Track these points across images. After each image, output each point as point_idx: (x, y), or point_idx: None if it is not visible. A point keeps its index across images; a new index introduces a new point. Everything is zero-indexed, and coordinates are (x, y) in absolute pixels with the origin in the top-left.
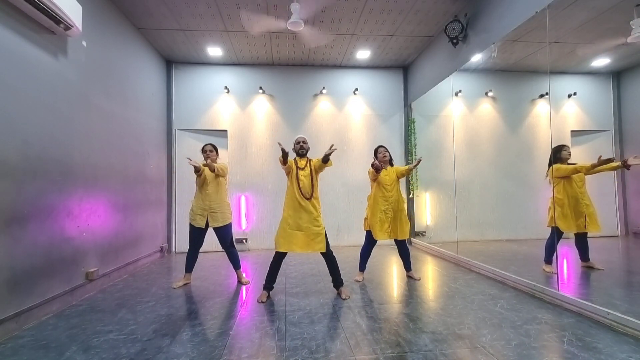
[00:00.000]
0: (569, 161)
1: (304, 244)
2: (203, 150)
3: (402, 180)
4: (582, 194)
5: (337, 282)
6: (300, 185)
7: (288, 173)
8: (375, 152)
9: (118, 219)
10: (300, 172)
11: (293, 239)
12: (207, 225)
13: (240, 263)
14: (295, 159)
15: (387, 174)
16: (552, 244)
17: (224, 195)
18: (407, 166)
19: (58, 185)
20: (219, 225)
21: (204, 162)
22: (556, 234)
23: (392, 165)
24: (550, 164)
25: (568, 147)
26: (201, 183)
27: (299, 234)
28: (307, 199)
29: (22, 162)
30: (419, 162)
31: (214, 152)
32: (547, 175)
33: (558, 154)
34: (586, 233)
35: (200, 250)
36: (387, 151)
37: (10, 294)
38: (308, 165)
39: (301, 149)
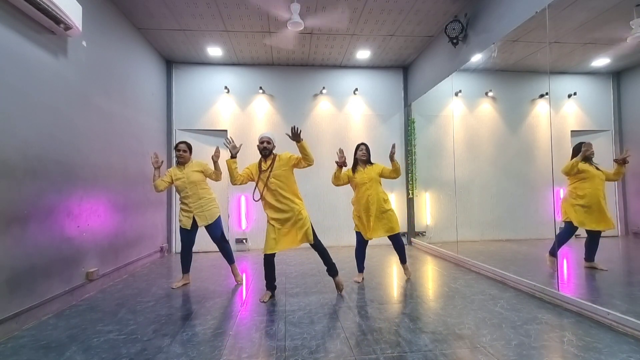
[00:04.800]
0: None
1: (293, 239)
2: (176, 149)
3: (397, 181)
4: (601, 191)
5: (332, 270)
6: (269, 189)
7: (250, 180)
8: (356, 149)
9: (118, 219)
10: (263, 175)
11: (282, 237)
12: (193, 226)
13: (234, 258)
14: (260, 160)
15: (363, 173)
16: (564, 237)
17: (205, 192)
18: (392, 164)
19: (58, 185)
20: (209, 223)
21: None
22: (570, 229)
23: (370, 164)
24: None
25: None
26: (181, 187)
27: (286, 231)
28: (279, 200)
29: (22, 162)
30: (393, 148)
31: (188, 152)
32: (572, 169)
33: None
34: (600, 234)
35: (200, 250)
36: (367, 150)
37: (11, 294)
38: (272, 166)
39: (264, 150)
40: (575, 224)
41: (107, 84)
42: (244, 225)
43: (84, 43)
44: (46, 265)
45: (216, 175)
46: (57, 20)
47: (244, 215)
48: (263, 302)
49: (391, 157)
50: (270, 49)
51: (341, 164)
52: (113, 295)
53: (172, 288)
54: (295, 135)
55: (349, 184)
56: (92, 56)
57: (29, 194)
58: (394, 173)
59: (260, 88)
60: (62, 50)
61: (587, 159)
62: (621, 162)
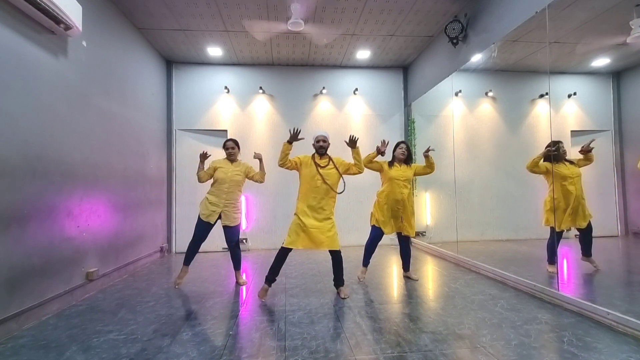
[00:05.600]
0: (566, 158)
1: (319, 241)
2: (225, 147)
3: None
4: (577, 191)
5: (339, 281)
6: (319, 184)
7: (294, 169)
8: (395, 147)
9: (118, 219)
10: (322, 171)
11: (308, 235)
12: (215, 222)
13: (241, 264)
14: (313, 155)
15: (400, 170)
16: (552, 244)
17: (238, 196)
18: (426, 161)
19: (58, 185)
20: (231, 225)
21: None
22: (555, 234)
23: (408, 163)
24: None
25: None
26: (222, 180)
27: (313, 232)
28: (323, 198)
29: (22, 162)
30: (428, 150)
31: (236, 149)
32: (531, 165)
33: (558, 152)
34: (590, 230)
35: (200, 250)
36: (408, 150)
37: (11, 294)
38: (330, 163)
39: (321, 148)
40: (554, 227)
41: (107, 84)
42: (244, 225)
43: (84, 43)
44: (46, 265)
45: (260, 175)
46: (57, 20)
47: (244, 215)
48: (262, 299)
49: (426, 155)
50: (270, 49)
51: (380, 151)
52: (113, 295)
53: (175, 287)
54: (353, 142)
55: (380, 174)
56: (92, 56)
57: (29, 194)
58: (429, 168)
59: (260, 88)
60: (62, 50)
61: (558, 158)
62: (584, 152)
